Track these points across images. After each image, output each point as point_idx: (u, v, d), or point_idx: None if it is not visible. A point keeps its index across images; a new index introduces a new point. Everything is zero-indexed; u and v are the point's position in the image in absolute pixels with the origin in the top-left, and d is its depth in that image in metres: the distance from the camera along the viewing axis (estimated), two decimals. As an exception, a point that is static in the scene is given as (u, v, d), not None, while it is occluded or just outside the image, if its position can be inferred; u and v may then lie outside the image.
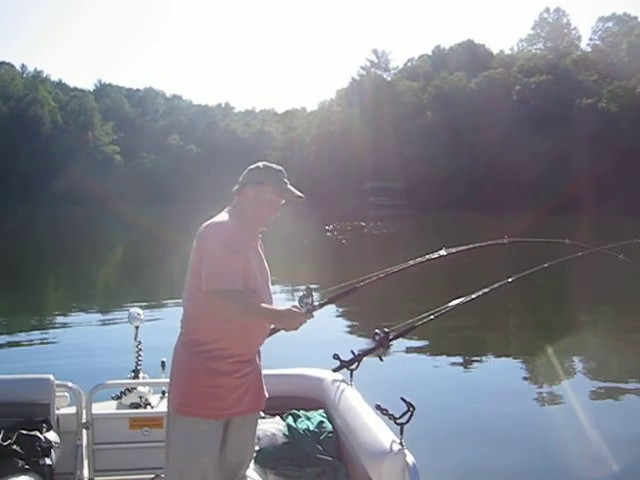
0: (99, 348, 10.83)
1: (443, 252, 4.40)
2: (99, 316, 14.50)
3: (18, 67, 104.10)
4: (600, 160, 56.67)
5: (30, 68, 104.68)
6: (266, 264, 3.39)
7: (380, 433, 3.42)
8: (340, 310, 14.26)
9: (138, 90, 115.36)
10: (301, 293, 3.38)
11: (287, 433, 4.07)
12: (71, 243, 34.03)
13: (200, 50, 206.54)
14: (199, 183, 78.28)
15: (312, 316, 3.28)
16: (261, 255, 3.37)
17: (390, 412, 3.23)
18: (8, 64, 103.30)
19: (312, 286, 3.39)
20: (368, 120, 78.51)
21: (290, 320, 3.18)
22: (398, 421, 3.17)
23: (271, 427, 4.10)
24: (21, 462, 3.75)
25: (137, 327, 4.89)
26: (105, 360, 8.90)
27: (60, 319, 14.05)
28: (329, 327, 11.01)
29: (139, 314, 4.91)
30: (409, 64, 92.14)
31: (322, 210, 64.54)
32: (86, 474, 4.25)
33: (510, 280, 4.54)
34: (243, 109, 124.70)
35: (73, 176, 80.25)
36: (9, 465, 3.71)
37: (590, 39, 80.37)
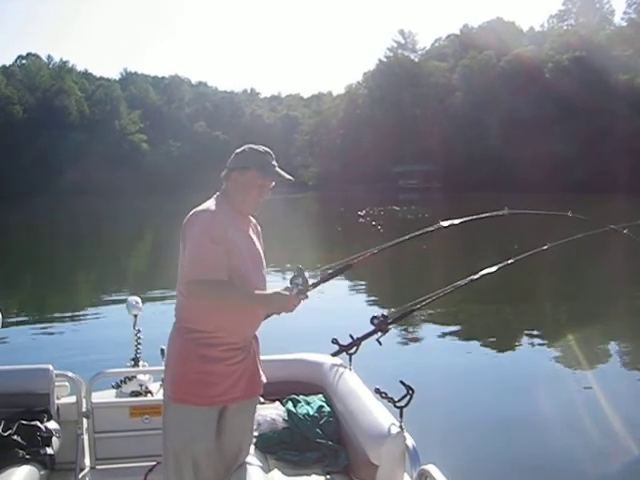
0: (98, 337, 10.82)
1: (442, 224, 4.35)
2: (98, 305, 14.40)
3: (44, 58, 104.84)
4: (637, 137, 55.12)
5: (56, 58, 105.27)
6: (260, 248, 3.33)
7: (380, 416, 3.43)
8: (338, 294, 13.65)
9: (163, 78, 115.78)
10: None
11: (287, 418, 4.06)
12: (81, 234, 33.72)
13: (225, 36, 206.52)
14: (226, 169, 77.87)
15: (306, 297, 3.17)
16: (253, 239, 3.30)
17: (389, 395, 3.24)
18: (34, 55, 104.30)
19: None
20: (395, 102, 77.64)
21: (278, 303, 3.08)
22: (397, 404, 3.17)
23: (271, 412, 4.10)
24: (22, 452, 3.75)
25: (136, 315, 4.88)
26: (104, 349, 8.83)
27: (58, 309, 13.99)
28: (327, 312, 10.55)
29: (137, 302, 4.90)
30: (436, 44, 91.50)
31: (350, 194, 63.90)
32: (87, 463, 4.24)
33: (510, 262, 4.44)
34: (269, 94, 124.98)
35: (100, 166, 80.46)
36: (10, 455, 3.69)
37: (624, 12, 77.97)
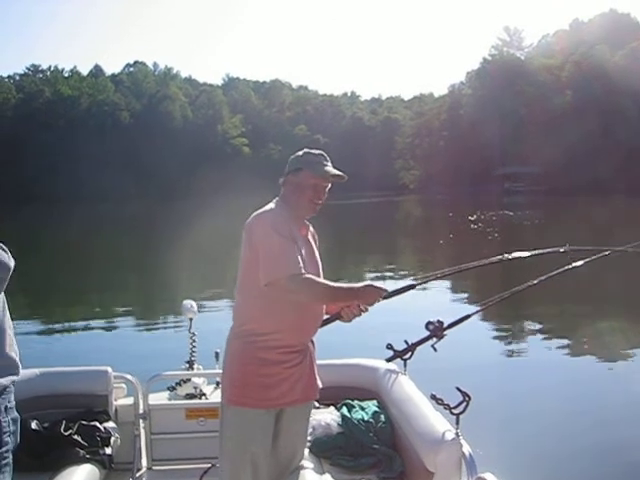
0: (155, 340, 11.12)
1: (507, 256, 4.35)
2: (155, 309, 14.82)
3: (150, 65, 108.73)
4: None
5: (161, 65, 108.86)
6: (317, 254, 3.39)
7: (436, 423, 3.41)
8: (393, 300, 12.95)
9: (265, 82, 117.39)
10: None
11: (341, 423, 4.08)
12: (168, 237, 33.24)
13: (325, 39, 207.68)
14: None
15: (367, 310, 3.30)
16: (312, 245, 3.36)
17: (445, 402, 3.20)
18: (141, 63, 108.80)
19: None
20: (501, 102, 75.01)
21: (371, 294, 3.20)
22: (454, 411, 3.13)
23: (325, 417, 4.14)
24: (82, 452, 3.82)
25: (191, 319, 4.91)
26: (160, 352, 8.97)
27: (117, 312, 14.30)
28: (381, 317, 10.01)
29: (192, 306, 4.93)
30: (543, 41, 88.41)
31: (453, 197, 62.16)
32: (144, 463, 4.31)
33: (571, 267, 4.32)
34: (369, 97, 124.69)
35: (202, 169, 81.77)
36: (71, 454, 3.77)
37: None
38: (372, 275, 18.46)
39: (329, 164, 3.27)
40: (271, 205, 3.24)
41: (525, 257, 4.35)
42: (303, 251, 3.17)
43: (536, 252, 4.44)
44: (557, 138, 65.78)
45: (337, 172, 3.26)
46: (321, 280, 3.12)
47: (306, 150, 3.33)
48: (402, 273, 18.56)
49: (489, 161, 73.31)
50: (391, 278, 17.65)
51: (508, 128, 72.33)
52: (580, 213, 38.28)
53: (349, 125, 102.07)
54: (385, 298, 3.65)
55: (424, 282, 4.13)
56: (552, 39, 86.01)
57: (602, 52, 69.58)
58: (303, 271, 3.02)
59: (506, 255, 4.33)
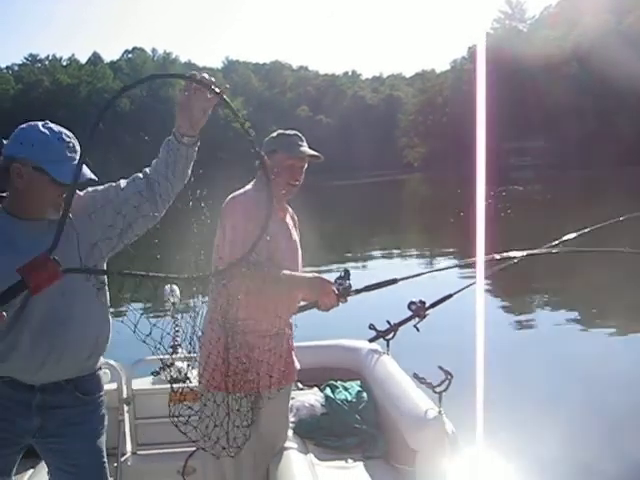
0: (139, 325, 10.73)
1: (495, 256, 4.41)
2: (139, 292, 14.32)
3: (149, 51, 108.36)
4: None
5: (160, 51, 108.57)
6: (297, 238, 3.39)
7: (419, 402, 3.44)
8: (375, 281, 12.87)
9: (265, 64, 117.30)
10: None
11: (325, 404, 4.10)
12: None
13: (324, 18, 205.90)
14: (332, 153, 77.90)
15: (346, 300, 3.31)
16: (290, 227, 3.37)
17: (428, 381, 3.26)
18: (140, 49, 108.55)
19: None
20: (505, 76, 74.08)
21: (319, 287, 3.16)
22: (436, 389, 3.19)
23: (309, 398, 4.15)
24: None
25: (174, 303, 4.84)
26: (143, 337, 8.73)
27: None
28: (364, 298, 9.97)
29: (174, 290, 4.85)
30: (546, 12, 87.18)
31: (458, 174, 61.49)
32: (129, 448, 4.33)
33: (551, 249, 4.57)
34: (370, 75, 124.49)
35: (207, 154, 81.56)
36: None
37: None
38: (380, 255, 18.04)
39: (304, 144, 3.29)
40: (247, 187, 3.26)
41: (519, 257, 4.40)
42: (278, 234, 3.17)
43: (529, 252, 4.56)
44: (562, 111, 65.00)
45: (313, 152, 3.27)
46: (271, 270, 3.08)
47: (280, 131, 3.35)
48: (411, 254, 18.16)
49: (494, 136, 71.98)
50: (400, 257, 17.27)
51: (513, 102, 71.55)
52: (589, 186, 37.74)
53: (351, 104, 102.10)
54: (369, 290, 3.84)
55: (407, 278, 4.18)
56: (555, 10, 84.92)
57: (607, 21, 68.46)
58: (260, 258, 2.98)
59: (496, 255, 4.43)
